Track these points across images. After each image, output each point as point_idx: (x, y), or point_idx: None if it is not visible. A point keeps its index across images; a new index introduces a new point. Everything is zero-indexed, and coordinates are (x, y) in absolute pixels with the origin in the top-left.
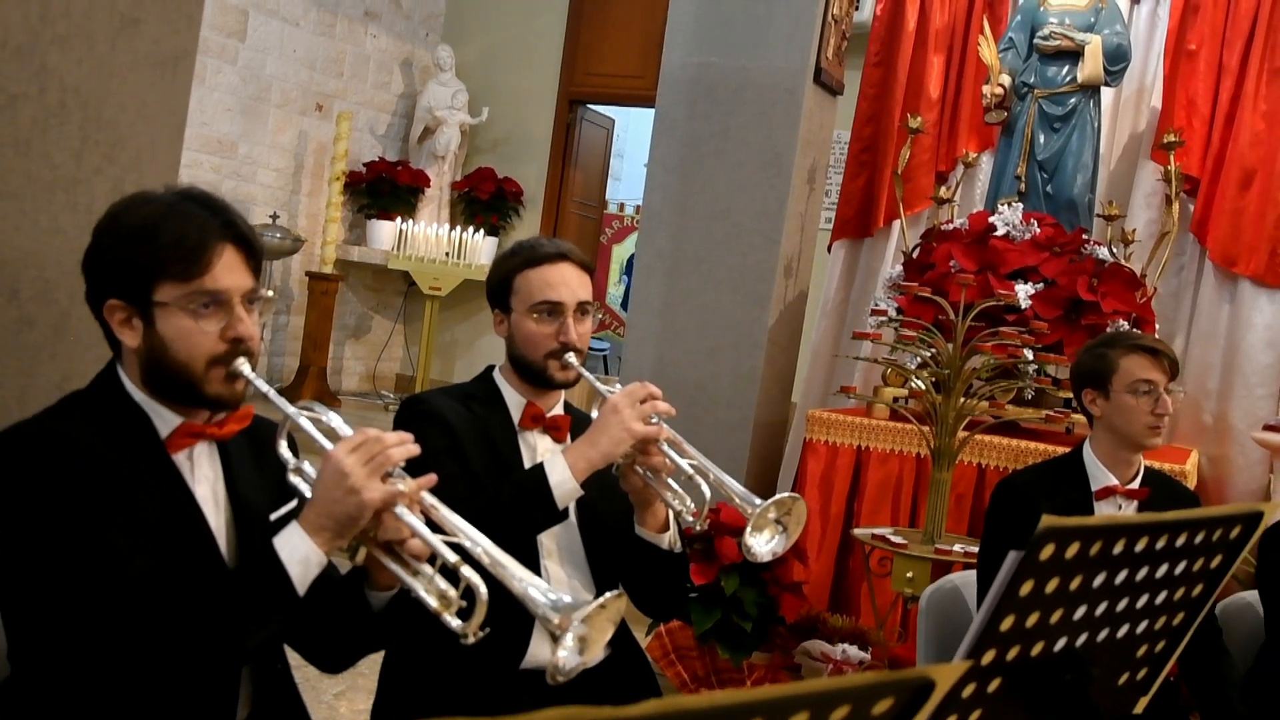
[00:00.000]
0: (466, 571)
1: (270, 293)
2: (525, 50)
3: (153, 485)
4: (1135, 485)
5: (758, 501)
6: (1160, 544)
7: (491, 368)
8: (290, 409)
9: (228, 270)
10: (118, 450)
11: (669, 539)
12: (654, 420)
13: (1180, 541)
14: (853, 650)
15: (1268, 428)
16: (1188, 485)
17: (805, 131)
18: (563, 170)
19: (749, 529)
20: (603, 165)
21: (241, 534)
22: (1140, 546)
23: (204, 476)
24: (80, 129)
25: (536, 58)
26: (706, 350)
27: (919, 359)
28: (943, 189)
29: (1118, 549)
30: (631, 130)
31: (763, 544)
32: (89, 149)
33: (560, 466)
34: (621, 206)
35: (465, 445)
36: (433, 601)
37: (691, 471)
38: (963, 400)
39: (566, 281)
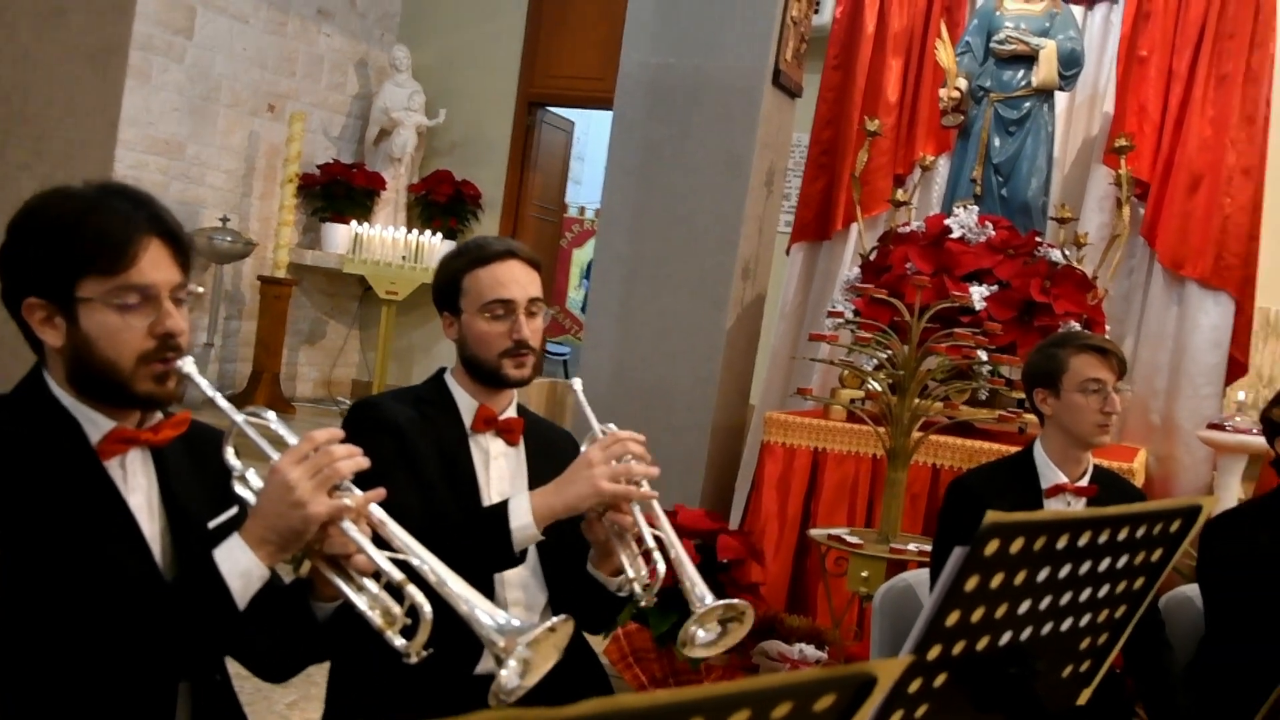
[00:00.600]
0: (411, 590)
1: (200, 289)
2: (483, 51)
3: (84, 494)
4: (1084, 483)
5: (710, 600)
6: (1102, 538)
7: (443, 370)
8: (236, 415)
9: (154, 264)
10: (46, 458)
11: (618, 584)
12: (637, 481)
13: (1121, 536)
14: (810, 650)
15: (1212, 426)
16: (1136, 483)
17: (764, 134)
18: (522, 173)
19: (694, 622)
20: (562, 168)
21: (178, 543)
22: (1083, 541)
23: (138, 485)
24: (2, 123)
25: (495, 59)
26: (665, 354)
27: (875, 361)
28: (900, 192)
29: (1061, 544)
30: (592, 133)
31: (702, 636)
32: (13, 145)
33: (523, 511)
34: (582, 210)
35: (417, 453)
36: (377, 619)
37: (653, 545)
38: (918, 401)
39: (516, 279)
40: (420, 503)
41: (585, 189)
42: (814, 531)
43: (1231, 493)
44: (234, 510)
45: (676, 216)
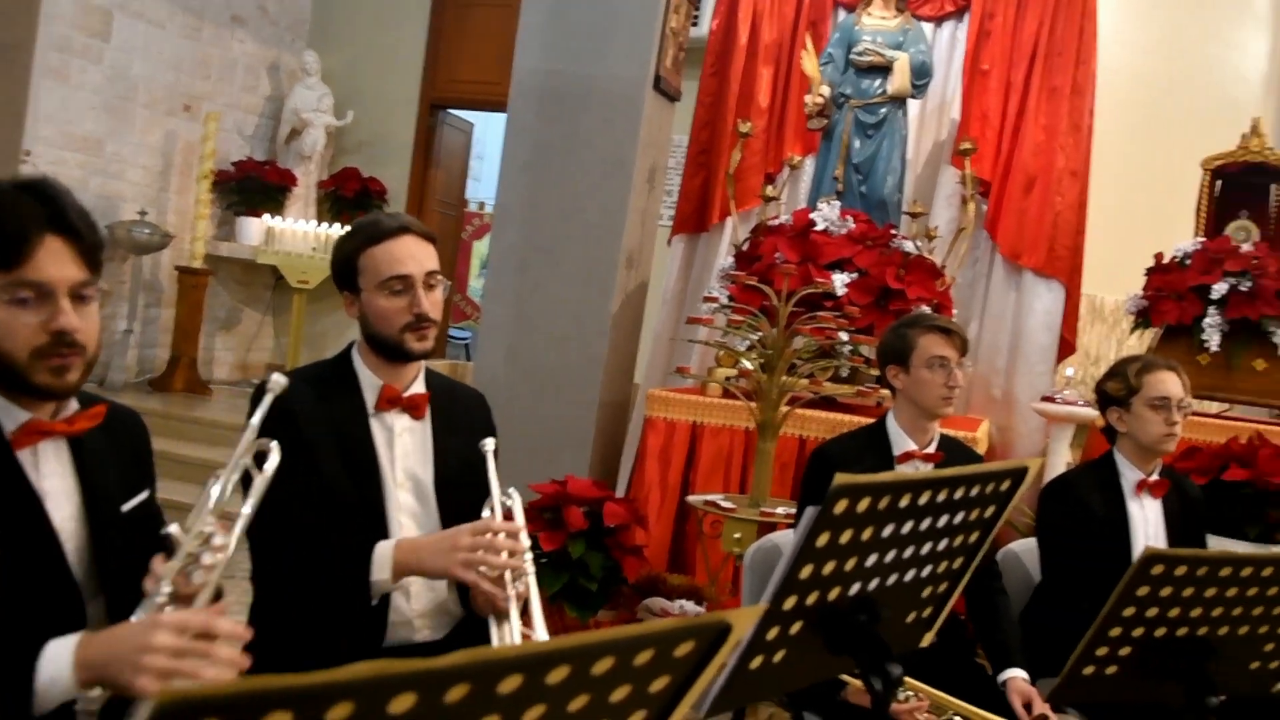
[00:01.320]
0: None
1: (105, 285)
2: (388, 57)
3: None
4: (931, 449)
5: None
6: (940, 497)
7: (352, 345)
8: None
9: (52, 261)
10: None
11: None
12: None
13: (958, 495)
14: (690, 605)
15: (1045, 399)
16: (979, 451)
17: (645, 135)
18: (424, 171)
19: None
20: (463, 166)
21: (95, 527)
22: (923, 500)
23: (51, 471)
24: None
25: (399, 64)
26: (555, 337)
27: (748, 341)
28: (770, 188)
29: (903, 503)
30: (490, 133)
31: None
32: None
33: (385, 566)
34: (481, 205)
35: (314, 442)
36: None
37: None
38: (785, 378)
39: (413, 254)
40: (319, 502)
41: (484, 185)
42: (692, 498)
43: (1061, 458)
44: (145, 494)
45: (566, 211)
